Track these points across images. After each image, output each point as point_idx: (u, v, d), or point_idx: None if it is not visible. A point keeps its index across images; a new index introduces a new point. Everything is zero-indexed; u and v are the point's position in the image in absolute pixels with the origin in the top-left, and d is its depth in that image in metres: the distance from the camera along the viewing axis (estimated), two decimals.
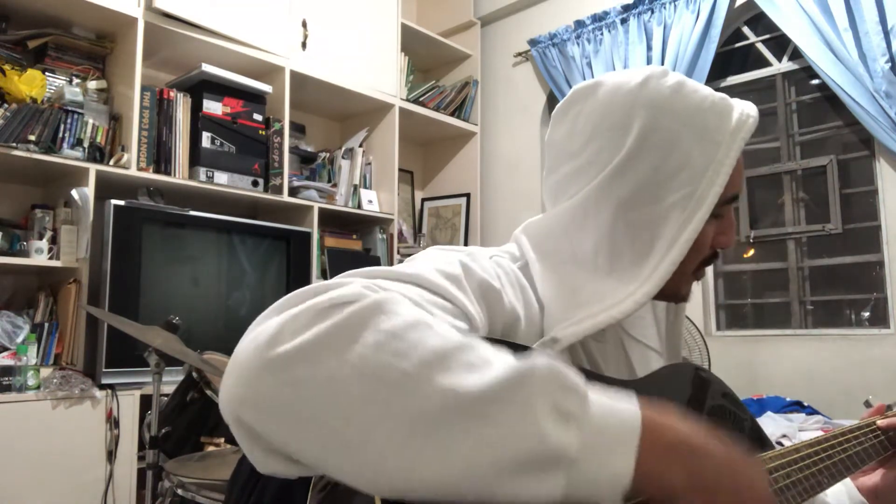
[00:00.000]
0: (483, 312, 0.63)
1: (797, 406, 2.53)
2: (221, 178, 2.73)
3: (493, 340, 0.61)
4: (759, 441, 0.78)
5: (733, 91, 3.15)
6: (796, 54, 2.90)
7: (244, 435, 0.48)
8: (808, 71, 2.87)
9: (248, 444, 0.49)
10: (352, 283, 0.52)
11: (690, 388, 0.75)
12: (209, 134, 2.72)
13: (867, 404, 0.95)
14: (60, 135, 2.37)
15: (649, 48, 3.15)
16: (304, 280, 2.93)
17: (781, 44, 3.00)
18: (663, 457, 0.49)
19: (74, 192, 2.32)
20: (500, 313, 0.66)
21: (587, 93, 0.75)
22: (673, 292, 0.76)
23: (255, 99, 2.89)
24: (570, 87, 3.36)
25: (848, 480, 0.89)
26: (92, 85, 2.53)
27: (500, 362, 0.48)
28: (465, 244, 3.66)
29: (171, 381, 1.88)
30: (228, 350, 1.91)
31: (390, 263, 3.27)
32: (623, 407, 0.49)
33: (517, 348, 0.62)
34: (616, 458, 0.47)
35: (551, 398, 0.46)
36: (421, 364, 0.46)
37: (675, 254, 0.69)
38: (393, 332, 0.47)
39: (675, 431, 0.50)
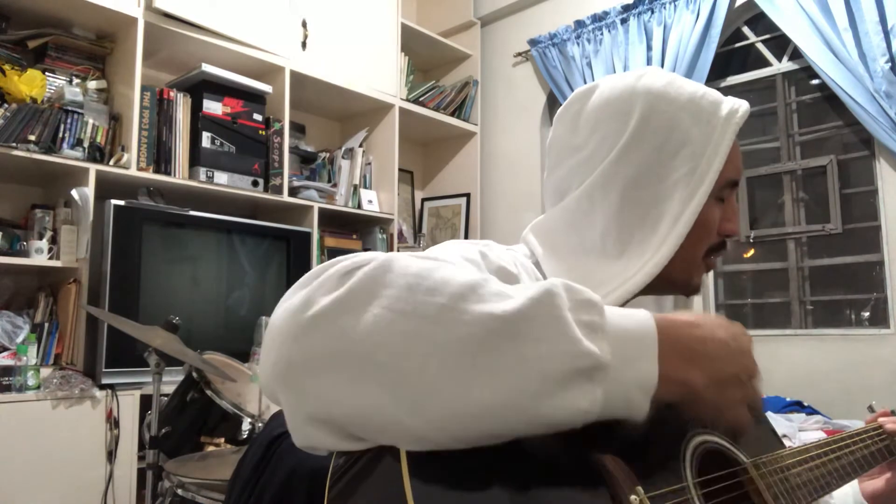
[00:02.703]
0: None
1: (797, 406, 2.53)
2: (221, 178, 2.73)
3: None
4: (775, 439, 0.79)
5: (733, 91, 3.15)
6: (796, 54, 2.90)
7: (290, 401, 0.50)
8: (808, 71, 2.87)
9: (292, 411, 0.50)
10: (364, 252, 0.55)
11: None
12: (209, 134, 2.72)
13: (871, 409, 0.95)
14: (60, 135, 2.37)
15: (649, 48, 3.15)
16: None
17: (781, 44, 3.00)
18: (682, 357, 0.52)
19: (74, 192, 2.32)
20: None
21: (586, 93, 0.78)
22: (685, 280, 0.77)
23: (255, 99, 2.89)
24: (570, 86, 3.37)
25: (855, 483, 0.90)
26: (92, 85, 2.53)
27: (524, 288, 0.50)
28: None
29: (171, 381, 1.88)
30: (228, 350, 1.89)
31: None
32: (637, 315, 0.52)
33: None
34: (642, 363, 0.50)
35: (575, 313, 0.49)
36: (454, 296, 0.48)
37: (682, 226, 0.71)
38: (418, 274, 0.49)
39: (688, 332, 0.54)
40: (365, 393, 0.47)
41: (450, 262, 0.55)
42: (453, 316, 0.47)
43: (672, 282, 0.74)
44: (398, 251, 3.40)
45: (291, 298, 0.51)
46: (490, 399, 0.46)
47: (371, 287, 0.48)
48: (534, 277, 0.72)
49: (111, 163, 2.46)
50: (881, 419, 0.92)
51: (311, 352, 0.47)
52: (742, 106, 0.75)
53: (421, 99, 3.64)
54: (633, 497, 0.52)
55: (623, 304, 0.72)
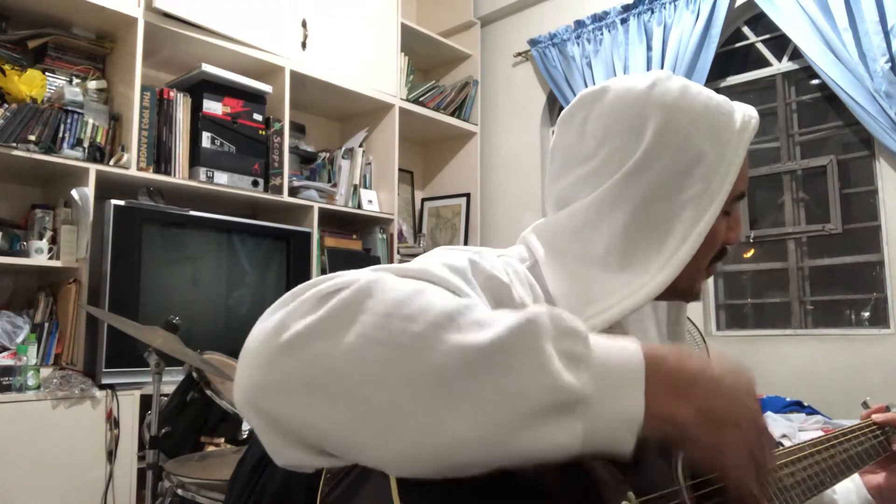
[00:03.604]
0: (492, 305, 0.63)
1: (797, 406, 2.53)
2: (221, 178, 2.73)
3: None
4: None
5: (733, 91, 3.15)
6: (796, 54, 2.90)
7: (262, 424, 0.49)
8: (808, 71, 2.87)
9: (267, 434, 0.49)
10: (348, 273, 0.54)
11: None
12: (209, 134, 2.72)
13: (865, 405, 0.96)
14: (60, 135, 2.37)
15: (649, 48, 3.15)
16: (305, 280, 2.93)
17: (781, 44, 3.00)
18: (671, 392, 0.49)
19: (74, 192, 2.32)
20: (509, 307, 0.66)
21: (594, 98, 0.75)
22: (688, 288, 0.76)
23: (255, 99, 2.89)
24: (570, 87, 3.37)
25: (857, 477, 0.90)
26: (92, 85, 2.53)
27: (504, 317, 0.49)
28: (466, 244, 3.65)
29: (171, 381, 1.88)
30: (228, 350, 1.89)
31: (390, 263, 3.28)
32: (624, 346, 0.50)
33: None
34: (626, 396, 0.48)
35: (557, 343, 0.47)
36: (431, 325, 0.46)
37: (689, 247, 0.70)
38: (397, 300, 0.48)
39: (678, 365, 0.51)
40: (335, 422, 0.46)
41: (434, 286, 0.53)
42: (428, 345, 0.46)
43: (674, 291, 0.73)
44: (398, 252, 3.40)
45: (268, 320, 0.49)
46: (463, 432, 0.45)
47: (347, 312, 0.47)
48: (527, 284, 0.70)
49: (111, 163, 2.46)
50: (874, 416, 0.93)
51: (282, 378, 0.46)
52: (753, 117, 0.74)
53: (421, 99, 3.64)
54: (624, 503, 0.52)
55: (620, 320, 0.71)
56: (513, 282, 0.67)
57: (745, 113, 0.74)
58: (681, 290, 0.76)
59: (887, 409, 0.93)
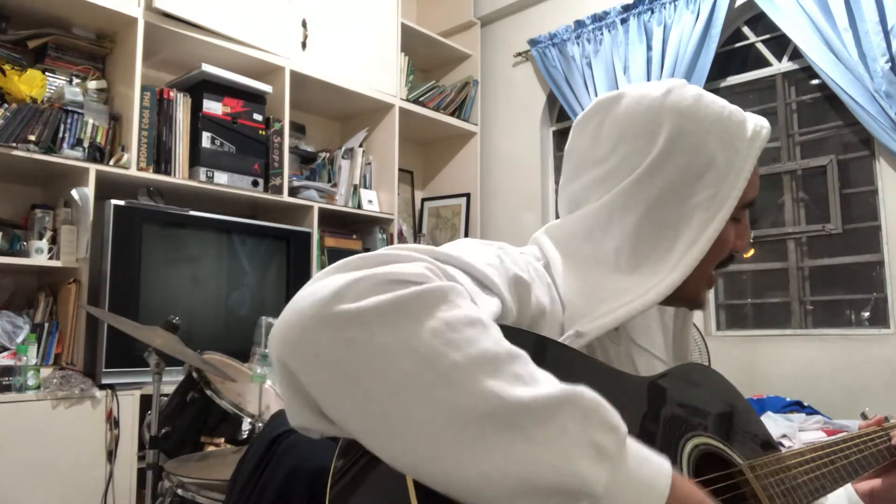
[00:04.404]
0: (514, 303, 0.64)
1: (797, 406, 2.53)
2: (221, 178, 2.73)
3: (523, 332, 0.62)
4: (768, 446, 0.79)
5: (733, 91, 3.15)
6: (796, 54, 2.90)
7: (285, 380, 0.50)
8: (808, 71, 2.87)
9: (287, 391, 0.50)
10: (415, 260, 0.53)
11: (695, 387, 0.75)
12: (209, 134, 2.72)
13: (864, 416, 0.96)
14: (60, 135, 2.37)
15: (649, 48, 3.15)
16: (304, 280, 2.92)
17: (781, 44, 3.00)
18: None
19: (74, 192, 2.32)
20: (528, 306, 0.67)
21: (610, 104, 0.76)
22: (693, 296, 0.77)
23: (255, 99, 2.89)
24: (571, 87, 3.37)
25: (848, 485, 0.90)
26: (92, 85, 2.53)
27: (547, 382, 0.48)
28: None
29: (171, 381, 1.88)
30: (228, 350, 1.89)
31: None
32: (657, 460, 0.49)
33: (546, 341, 0.64)
34: None
35: (590, 431, 0.46)
36: (471, 361, 0.46)
37: (697, 251, 0.71)
38: (451, 324, 0.47)
39: (699, 499, 0.50)
40: (346, 407, 0.47)
41: (492, 325, 0.51)
42: (459, 379, 0.45)
43: (680, 297, 0.74)
44: None
45: (323, 281, 0.49)
46: (459, 475, 0.44)
47: (400, 313, 0.47)
48: (545, 284, 0.72)
49: (111, 163, 2.46)
50: (873, 426, 0.93)
51: (313, 348, 0.47)
52: (765, 127, 0.75)
53: (421, 99, 3.64)
54: None
55: (629, 320, 0.72)
56: (533, 280, 0.69)
57: (756, 122, 0.75)
58: (686, 297, 0.76)
59: (886, 419, 0.94)
